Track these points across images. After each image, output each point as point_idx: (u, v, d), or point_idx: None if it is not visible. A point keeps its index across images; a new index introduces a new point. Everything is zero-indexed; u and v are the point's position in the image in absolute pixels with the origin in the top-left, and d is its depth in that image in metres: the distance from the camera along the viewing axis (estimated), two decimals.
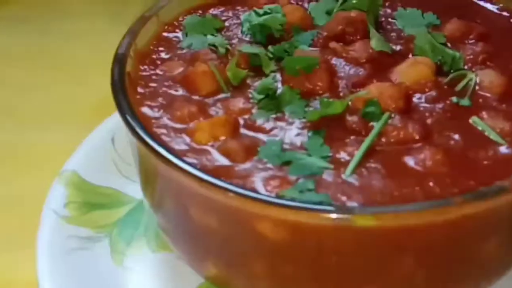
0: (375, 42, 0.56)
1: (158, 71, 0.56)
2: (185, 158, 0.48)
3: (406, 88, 0.52)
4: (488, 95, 0.53)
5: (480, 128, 0.50)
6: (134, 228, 0.60)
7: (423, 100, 0.52)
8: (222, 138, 0.50)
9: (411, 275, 0.47)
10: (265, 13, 0.58)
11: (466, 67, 0.55)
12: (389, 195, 0.46)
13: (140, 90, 0.54)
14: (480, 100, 0.53)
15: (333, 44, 0.56)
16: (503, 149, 0.49)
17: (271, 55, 0.55)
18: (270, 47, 0.56)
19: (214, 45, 0.57)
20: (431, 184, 0.46)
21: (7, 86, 0.77)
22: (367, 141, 0.49)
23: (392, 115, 0.50)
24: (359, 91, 0.52)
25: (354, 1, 0.58)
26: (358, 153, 0.48)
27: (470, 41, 0.57)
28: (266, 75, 0.54)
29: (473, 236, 0.46)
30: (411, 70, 0.53)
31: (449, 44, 0.57)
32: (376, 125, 0.49)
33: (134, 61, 0.55)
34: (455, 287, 0.49)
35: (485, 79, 0.53)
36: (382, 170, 0.47)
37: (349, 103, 0.51)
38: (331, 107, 0.50)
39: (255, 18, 0.58)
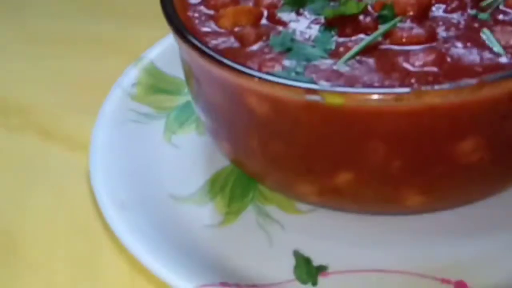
0: None
1: None
2: (205, 38, 0.54)
3: None
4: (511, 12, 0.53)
5: (485, 38, 0.51)
6: (189, 114, 0.67)
7: (442, 10, 0.54)
8: (243, 25, 0.55)
9: (386, 165, 0.49)
10: None
11: None
12: (370, 86, 0.49)
13: None
14: (501, 16, 0.53)
15: None
16: (499, 59, 0.49)
17: None
18: None
19: None
20: (412, 80, 0.48)
21: None
22: (369, 38, 0.51)
23: (404, 20, 0.53)
24: None
25: None
26: (357, 47, 0.51)
27: None
28: None
29: (443, 131, 0.47)
30: None
31: None
32: (384, 26, 0.52)
33: None
34: (437, 188, 0.51)
35: None
36: (373, 65, 0.50)
37: (369, 6, 0.54)
38: (347, 6, 0.54)
39: None
